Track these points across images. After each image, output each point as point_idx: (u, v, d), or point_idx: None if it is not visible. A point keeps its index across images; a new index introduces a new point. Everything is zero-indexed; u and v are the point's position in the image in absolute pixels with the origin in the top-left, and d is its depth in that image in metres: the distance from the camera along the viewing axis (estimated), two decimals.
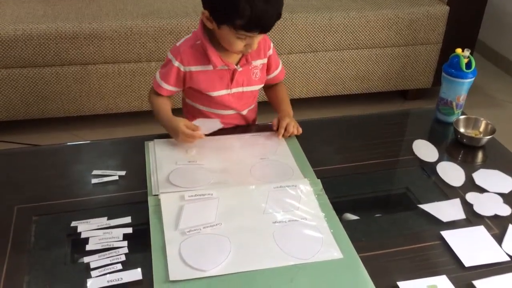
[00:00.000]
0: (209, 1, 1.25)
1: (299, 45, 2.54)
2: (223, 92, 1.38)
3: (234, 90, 1.39)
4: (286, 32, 2.48)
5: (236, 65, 1.36)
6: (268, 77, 1.46)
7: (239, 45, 1.26)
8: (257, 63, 1.40)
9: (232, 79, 1.37)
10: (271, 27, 1.23)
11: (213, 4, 1.24)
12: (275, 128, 1.38)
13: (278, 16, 1.23)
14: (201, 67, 1.34)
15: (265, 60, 1.41)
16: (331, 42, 2.57)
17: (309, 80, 2.66)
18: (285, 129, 1.36)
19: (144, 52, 2.40)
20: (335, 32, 2.55)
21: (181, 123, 1.29)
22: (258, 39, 1.27)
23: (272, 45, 1.43)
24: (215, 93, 1.37)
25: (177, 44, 1.36)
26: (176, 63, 1.34)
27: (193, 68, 1.34)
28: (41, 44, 2.27)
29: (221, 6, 1.21)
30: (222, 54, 1.33)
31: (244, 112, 1.46)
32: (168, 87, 1.38)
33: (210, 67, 1.34)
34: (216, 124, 1.34)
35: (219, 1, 1.22)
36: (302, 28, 2.49)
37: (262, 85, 1.46)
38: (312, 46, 2.56)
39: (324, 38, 2.55)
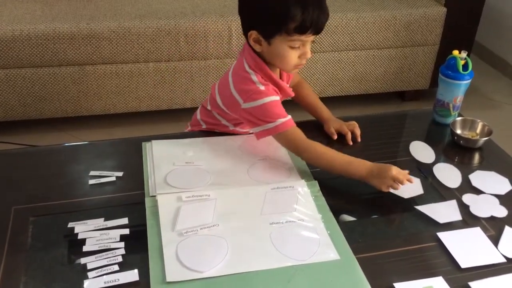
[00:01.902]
0: (256, 17, 1.23)
1: None
2: None
3: None
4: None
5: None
6: None
7: (294, 57, 1.24)
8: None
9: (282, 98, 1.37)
10: (323, 27, 1.22)
11: (262, 16, 1.21)
12: (335, 137, 1.40)
13: (327, 16, 1.21)
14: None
15: None
16: (328, 43, 2.58)
17: (306, 81, 2.65)
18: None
19: (142, 53, 2.40)
20: (332, 33, 2.55)
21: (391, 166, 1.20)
22: (309, 45, 1.25)
23: None
24: None
25: (260, 89, 1.26)
26: (278, 98, 1.29)
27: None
28: (39, 44, 2.27)
29: (271, 14, 1.19)
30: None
31: None
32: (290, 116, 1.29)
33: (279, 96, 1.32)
34: (419, 189, 1.24)
35: (268, 11, 1.19)
36: None
37: None
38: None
39: (321, 39, 2.55)
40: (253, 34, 1.24)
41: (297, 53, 1.24)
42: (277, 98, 1.29)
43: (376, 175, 1.19)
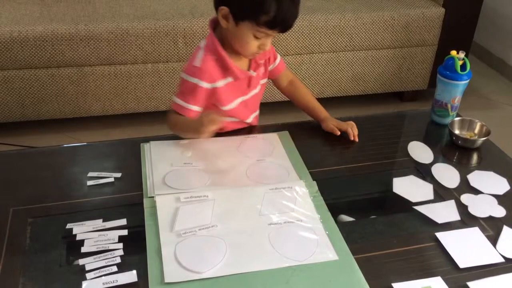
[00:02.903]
0: None
1: (295, 47, 2.54)
2: (239, 100, 1.39)
3: (250, 94, 1.41)
4: (282, 34, 2.48)
5: (249, 70, 1.37)
6: (269, 68, 1.46)
7: (254, 45, 1.26)
8: (261, 61, 1.41)
9: (249, 85, 1.38)
10: (291, 27, 1.25)
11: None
12: (338, 132, 1.41)
13: (297, 16, 1.25)
14: (224, 81, 1.34)
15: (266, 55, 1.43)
16: (327, 43, 2.58)
17: (305, 81, 2.66)
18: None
19: (141, 54, 2.40)
20: (331, 34, 2.55)
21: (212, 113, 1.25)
22: (271, 40, 1.28)
23: None
24: (230, 105, 1.37)
25: (195, 64, 1.30)
26: (205, 84, 1.30)
27: (218, 84, 1.33)
28: (37, 45, 2.27)
29: (247, 1, 1.21)
30: (236, 63, 1.33)
31: (257, 112, 1.49)
32: (197, 108, 1.33)
33: (230, 79, 1.33)
34: (430, 194, 1.22)
35: None
36: (298, 30, 2.49)
37: (266, 78, 1.48)
38: (308, 47, 2.56)
39: (320, 39, 2.55)
40: (224, 9, 1.25)
41: (257, 43, 1.27)
42: (202, 84, 1.30)
43: (200, 125, 1.23)
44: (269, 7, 1.18)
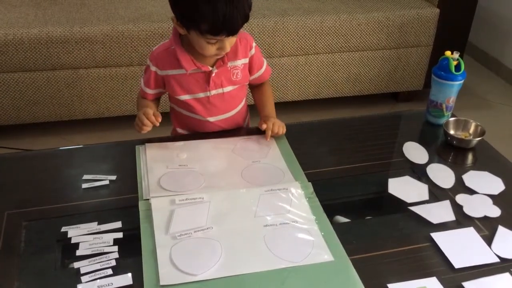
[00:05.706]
0: (174, 8, 1.25)
1: (290, 48, 2.55)
2: (200, 95, 1.38)
3: (213, 92, 1.38)
4: (278, 35, 2.49)
5: (212, 66, 1.35)
6: (251, 77, 1.45)
7: (211, 49, 1.25)
8: (236, 63, 1.38)
9: (208, 82, 1.36)
10: (238, 30, 1.22)
11: (177, 10, 1.24)
12: (263, 129, 1.37)
13: (245, 17, 1.21)
14: (176, 71, 1.35)
15: (246, 60, 1.39)
16: (322, 45, 2.58)
17: (300, 82, 2.66)
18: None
19: (136, 56, 2.39)
20: (326, 35, 2.56)
21: (146, 110, 1.33)
22: (229, 41, 1.26)
23: (254, 44, 1.40)
24: (185, 97, 1.38)
25: (153, 49, 1.39)
26: (153, 68, 1.37)
27: (169, 72, 1.36)
28: (32, 48, 2.27)
29: (184, 12, 1.21)
30: (196, 56, 1.32)
31: (230, 114, 1.45)
32: (150, 91, 1.42)
33: (184, 71, 1.34)
34: (425, 195, 1.22)
35: (181, 7, 1.22)
36: (293, 31, 2.50)
37: (246, 84, 1.45)
38: (304, 49, 2.57)
39: (315, 41, 2.56)
40: (175, 19, 1.26)
41: (214, 47, 1.25)
42: (151, 67, 1.37)
43: (137, 119, 1.36)
44: (204, 15, 1.16)
